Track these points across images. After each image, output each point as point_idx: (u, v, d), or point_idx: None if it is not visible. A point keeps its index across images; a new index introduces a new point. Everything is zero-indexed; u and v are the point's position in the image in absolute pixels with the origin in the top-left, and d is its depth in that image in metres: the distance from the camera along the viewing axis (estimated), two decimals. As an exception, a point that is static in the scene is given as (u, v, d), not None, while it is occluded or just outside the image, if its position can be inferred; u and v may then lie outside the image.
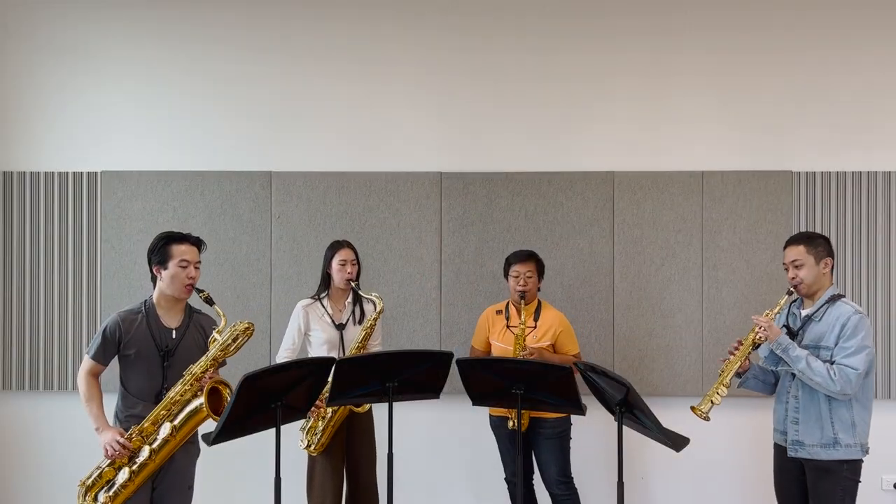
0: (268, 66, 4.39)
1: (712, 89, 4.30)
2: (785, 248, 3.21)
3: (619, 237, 4.26)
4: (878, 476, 4.14)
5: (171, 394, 2.94)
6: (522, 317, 3.60)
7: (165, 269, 3.04)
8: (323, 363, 3.09)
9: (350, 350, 3.58)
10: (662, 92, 4.31)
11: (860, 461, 3.07)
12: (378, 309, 3.61)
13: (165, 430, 2.91)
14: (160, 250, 3.05)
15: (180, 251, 3.05)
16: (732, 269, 4.21)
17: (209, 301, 3.03)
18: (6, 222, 4.38)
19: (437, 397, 3.39)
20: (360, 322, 3.66)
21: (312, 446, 3.55)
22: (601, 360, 4.12)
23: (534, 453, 3.73)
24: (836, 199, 4.22)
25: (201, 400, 2.91)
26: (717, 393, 3.08)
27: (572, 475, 3.70)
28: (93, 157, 4.40)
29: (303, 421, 3.53)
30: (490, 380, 3.26)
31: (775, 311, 3.13)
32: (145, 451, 2.90)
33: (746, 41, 4.29)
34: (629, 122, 4.31)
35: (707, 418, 3.08)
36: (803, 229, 4.15)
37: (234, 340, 3.02)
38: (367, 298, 3.68)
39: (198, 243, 3.13)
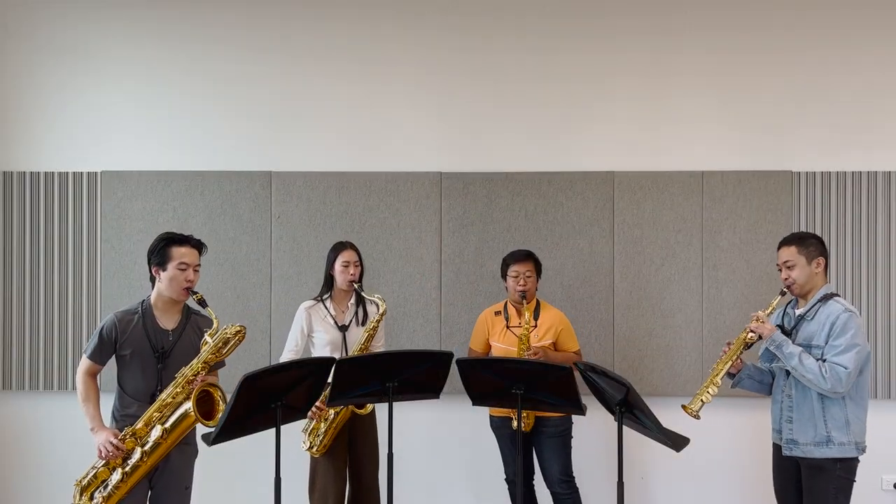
0: (268, 66, 4.40)
1: (712, 89, 4.30)
2: (778, 249, 3.22)
3: (619, 237, 4.26)
4: (878, 476, 4.14)
5: (163, 396, 2.94)
6: (527, 317, 3.60)
7: (164, 270, 3.03)
8: (323, 363, 3.08)
9: (353, 352, 3.58)
10: (662, 92, 4.31)
11: (855, 460, 3.06)
12: (381, 311, 3.61)
13: (156, 432, 2.91)
14: (160, 251, 3.05)
15: (180, 253, 3.04)
16: (732, 269, 4.21)
17: (202, 303, 3.01)
18: (6, 222, 4.38)
19: (437, 397, 3.39)
20: (363, 323, 3.66)
21: (315, 448, 3.54)
22: (601, 360, 4.12)
23: (535, 452, 3.73)
24: (836, 199, 4.22)
25: (189, 405, 2.90)
26: (708, 392, 3.08)
27: (573, 474, 3.71)
28: (93, 157, 4.40)
29: (305, 422, 3.53)
30: (490, 380, 3.25)
31: (767, 311, 3.16)
32: (137, 453, 2.90)
33: (746, 41, 4.29)
34: (629, 122, 4.31)
35: (697, 417, 3.09)
36: (803, 229, 4.16)
37: (226, 344, 3.00)
38: (369, 300, 3.67)
39: (199, 246, 3.12)
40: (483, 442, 4.13)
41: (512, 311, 3.75)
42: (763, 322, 3.11)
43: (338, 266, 3.65)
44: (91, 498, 2.91)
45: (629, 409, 2.99)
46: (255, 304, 4.31)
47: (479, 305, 4.22)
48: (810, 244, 3.14)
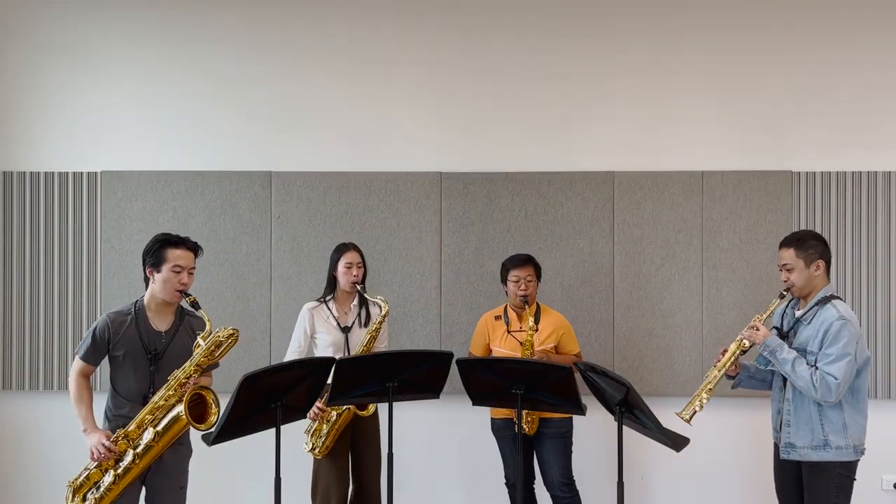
0: (268, 66, 4.39)
1: (712, 89, 4.30)
2: (779, 249, 3.20)
3: (619, 237, 4.26)
4: (878, 476, 4.14)
5: (156, 398, 2.93)
6: (531, 322, 3.59)
7: (158, 272, 3.01)
8: (323, 363, 3.09)
9: (355, 353, 3.57)
10: (662, 92, 4.31)
11: (853, 462, 3.05)
12: (383, 312, 3.60)
13: (148, 435, 2.90)
14: (155, 253, 3.02)
15: (175, 256, 3.01)
16: (732, 269, 4.21)
17: (195, 305, 2.99)
18: (6, 222, 4.38)
19: (437, 397, 3.39)
20: (366, 325, 3.66)
21: (317, 449, 3.55)
22: (601, 360, 4.12)
23: (536, 455, 3.72)
24: (836, 199, 4.22)
25: (180, 408, 2.89)
26: (700, 400, 3.06)
27: (574, 478, 3.70)
28: (93, 157, 4.40)
29: (307, 424, 3.53)
30: (490, 380, 3.25)
31: (765, 315, 3.13)
32: (129, 456, 2.89)
33: (746, 41, 4.29)
34: (629, 122, 4.31)
35: (689, 424, 3.07)
36: (803, 229, 4.15)
37: (218, 346, 2.98)
38: (372, 301, 3.66)
39: (194, 248, 3.09)
40: (483, 442, 4.13)
41: (512, 315, 3.74)
42: (758, 329, 3.09)
43: (341, 267, 3.64)
44: (84, 499, 2.90)
45: (629, 409, 2.99)
46: (255, 304, 4.31)
47: (479, 305, 4.22)
48: (809, 246, 3.10)
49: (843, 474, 3.03)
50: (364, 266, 3.69)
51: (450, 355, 3.31)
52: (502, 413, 3.70)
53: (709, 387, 3.10)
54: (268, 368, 2.99)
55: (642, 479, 4.27)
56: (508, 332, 3.70)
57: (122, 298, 4.15)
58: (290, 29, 4.40)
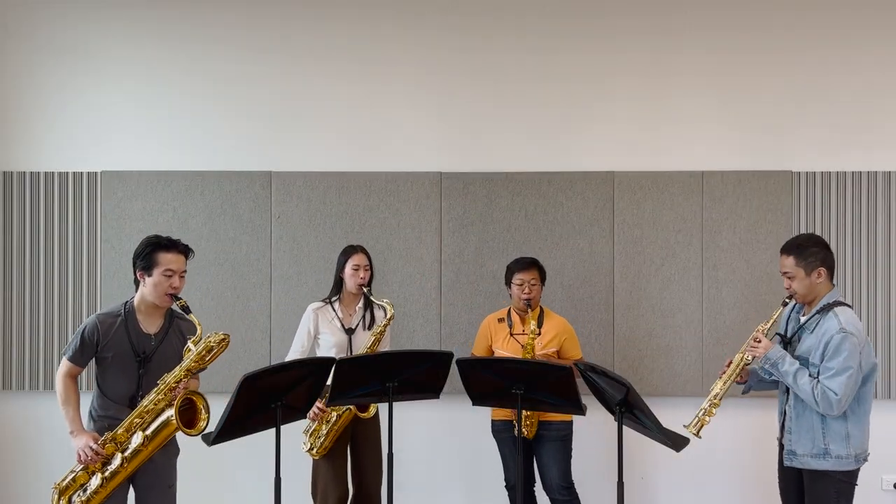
0: (268, 66, 4.39)
1: (712, 89, 4.30)
2: (780, 255, 3.12)
3: (619, 237, 4.26)
4: (878, 476, 4.14)
5: (145, 402, 2.92)
6: (533, 325, 3.58)
7: (149, 275, 2.98)
8: (323, 363, 3.09)
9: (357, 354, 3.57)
10: (662, 92, 4.31)
11: (854, 470, 3.02)
12: (388, 315, 3.59)
13: (137, 439, 2.89)
14: (146, 256, 2.99)
15: (166, 260, 2.98)
16: (732, 269, 4.21)
17: (186, 310, 2.97)
18: (6, 222, 4.38)
19: (437, 397, 3.39)
20: (370, 327, 3.65)
21: (315, 450, 3.54)
22: (601, 360, 4.12)
23: (535, 458, 3.72)
24: (836, 199, 4.22)
25: (171, 412, 2.88)
26: (708, 414, 3.04)
27: (573, 481, 3.68)
28: (93, 157, 4.40)
29: (306, 424, 3.53)
30: (490, 380, 3.25)
31: (769, 325, 3.08)
32: (117, 459, 2.89)
33: (746, 41, 4.29)
34: (629, 122, 4.31)
35: (699, 437, 3.05)
36: (803, 229, 4.16)
37: (209, 351, 2.96)
38: (377, 304, 3.65)
39: (186, 251, 3.06)
40: (483, 443, 4.13)
41: (515, 318, 3.74)
42: (759, 341, 3.05)
43: (348, 269, 3.64)
44: (69, 501, 2.90)
45: (629, 409, 2.99)
46: (255, 304, 4.31)
47: (479, 306, 4.22)
48: (810, 254, 3.02)
49: (843, 480, 3.00)
50: (371, 268, 3.69)
51: (450, 355, 3.31)
52: (502, 414, 3.70)
53: (715, 400, 3.07)
54: (268, 368, 2.99)
55: (642, 479, 4.27)
56: (511, 334, 3.69)
57: (122, 298, 4.11)
58: (290, 29, 4.40)
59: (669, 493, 4.30)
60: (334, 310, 3.67)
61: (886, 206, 4.20)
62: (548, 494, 3.70)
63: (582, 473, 3.77)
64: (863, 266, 4.20)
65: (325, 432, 3.53)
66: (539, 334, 3.63)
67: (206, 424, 2.94)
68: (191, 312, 2.97)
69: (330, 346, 3.62)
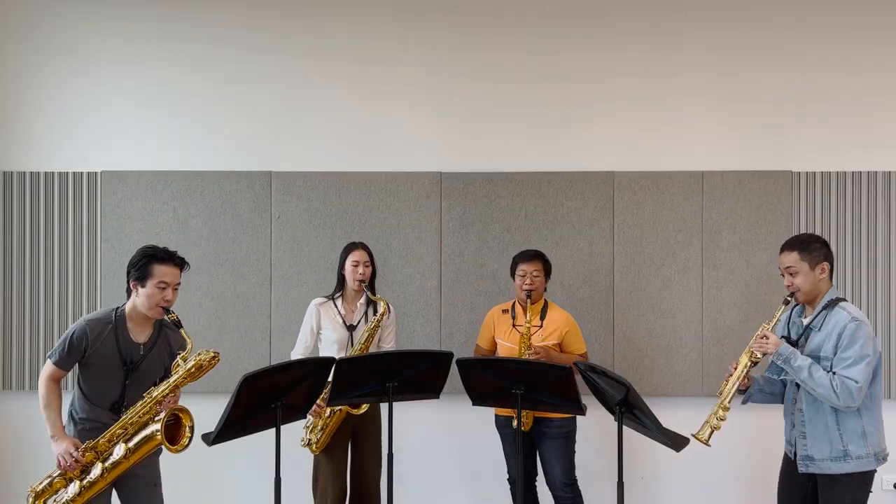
0: (268, 66, 4.39)
1: (712, 89, 4.30)
2: (780, 252, 3.07)
3: (619, 237, 4.26)
4: (878, 476, 4.12)
5: (130, 414, 2.90)
6: (528, 316, 3.59)
7: (143, 286, 2.94)
8: (323, 363, 3.09)
9: (353, 351, 3.58)
10: (662, 92, 4.31)
11: (872, 471, 2.96)
12: (381, 311, 3.61)
13: (120, 451, 2.87)
14: (141, 267, 2.94)
15: (161, 272, 2.94)
16: (732, 269, 4.21)
17: (177, 324, 2.94)
18: (6, 222, 4.38)
19: (437, 397, 3.39)
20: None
21: (313, 445, 3.56)
22: (601, 360, 4.12)
23: (538, 455, 3.72)
24: (836, 199, 4.22)
25: (157, 427, 2.86)
26: (717, 418, 2.94)
27: (576, 478, 3.69)
28: (93, 157, 4.40)
29: (308, 419, 3.53)
30: (490, 380, 3.26)
31: (772, 323, 3.01)
32: (97, 469, 2.87)
33: (746, 41, 4.29)
34: (629, 122, 4.31)
35: (708, 444, 2.95)
36: (803, 229, 4.16)
37: (199, 369, 2.92)
38: (373, 301, 3.66)
39: (181, 264, 3.02)
40: (483, 442, 4.14)
41: (519, 309, 3.75)
42: (767, 338, 2.96)
43: (348, 265, 3.66)
44: None
45: (629, 409, 2.99)
46: (255, 304, 4.31)
47: (479, 305, 4.22)
48: (813, 248, 2.98)
49: (860, 488, 2.93)
50: (372, 266, 3.69)
51: (450, 355, 3.31)
52: (505, 410, 3.70)
53: (724, 404, 2.96)
54: (268, 368, 2.98)
55: (642, 479, 4.27)
56: (514, 326, 3.69)
57: (122, 298, 4.12)
58: (290, 29, 4.40)
59: (669, 493, 4.30)
60: (336, 306, 3.68)
61: (886, 206, 4.20)
62: (551, 491, 3.70)
63: (582, 473, 3.77)
64: (863, 266, 4.20)
65: (320, 428, 3.55)
66: (541, 326, 3.64)
67: (189, 442, 2.92)
68: (182, 327, 2.94)
69: (332, 342, 3.63)
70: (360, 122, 4.39)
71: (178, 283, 3.01)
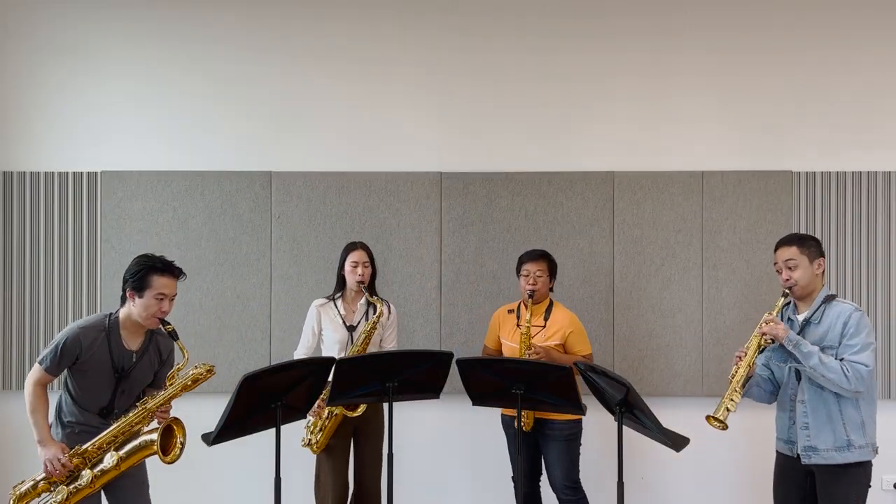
0: (268, 66, 4.39)
1: (712, 89, 4.30)
2: (776, 249, 3.12)
3: (619, 237, 4.26)
4: (878, 476, 4.13)
5: (122, 424, 2.91)
6: (528, 315, 3.58)
7: (140, 297, 2.93)
8: (323, 363, 3.09)
9: (350, 352, 3.58)
10: (662, 92, 4.31)
11: (871, 463, 3.01)
12: (377, 313, 3.60)
13: (111, 459, 2.88)
14: (140, 278, 2.92)
15: (160, 283, 2.92)
16: (732, 269, 4.21)
17: (174, 336, 2.94)
18: (6, 222, 4.38)
19: (437, 397, 3.39)
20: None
21: (313, 445, 3.57)
22: (601, 360, 4.11)
23: (542, 455, 3.71)
24: (836, 199, 4.22)
25: (153, 437, 2.88)
26: (732, 399, 2.93)
27: (580, 479, 3.67)
28: (93, 157, 4.40)
29: (308, 418, 3.54)
30: (490, 380, 3.26)
31: (775, 312, 3.04)
32: (86, 476, 2.87)
33: (746, 41, 4.29)
34: (629, 122, 4.31)
35: (725, 426, 2.92)
36: (803, 229, 4.16)
37: (195, 381, 2.94)
38: (371, 302, 3.64)
39: (179, 275, 3.01)
40: (483, 442, 4.14)
41: (523, 309, 3.73)
42: (777, 324, 2.98)
43: (347, 266, 3.65)
44: None
45: (629, 409, 2.99)
46: (255, 304, 4.31)
47: (479, 305, 4.22)
48: (811, 245, 3.06)
49: (863, 482, 2.98)
50: (372, 266, 3.68)
51: (450, 355, 3.31)
52: (511, 410, 3.68)
53: (737, 386, 2.96)
54: (268, 368, 2.99)
55: (642, 479, 4.27)
56: (518, 325, 3.69)
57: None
58: (290, 29, 4.40)
59: (669, 493, 4.30)
60: (337, 307, 3.67)
61: (886, 206, 4.20)
62: (554, 492, 3.69)
63: (582, 473, 3.77)
64: (863, 266, 4.20)
65: (318, 428, 3.55)
66: (544, 326, 3.63)
67: (181, 453, 2.93)
68: (178, 339, 2.94)
69: (333, 342, 3.63)
70: (360, 122, 4.39)
71: (175, 294, 2.99)
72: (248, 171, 4.34)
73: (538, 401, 3.25)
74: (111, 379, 2.97)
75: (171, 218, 4.33)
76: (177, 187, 4.34)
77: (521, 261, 3.73)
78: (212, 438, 2.85)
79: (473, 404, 3.38)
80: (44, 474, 2.90)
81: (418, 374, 3.28)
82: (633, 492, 4.14)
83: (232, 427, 2.85)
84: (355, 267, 3.62)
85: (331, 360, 3.11)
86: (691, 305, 4.22)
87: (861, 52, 4.26)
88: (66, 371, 2.98)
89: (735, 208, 4.22)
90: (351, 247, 3.69)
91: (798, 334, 3.04)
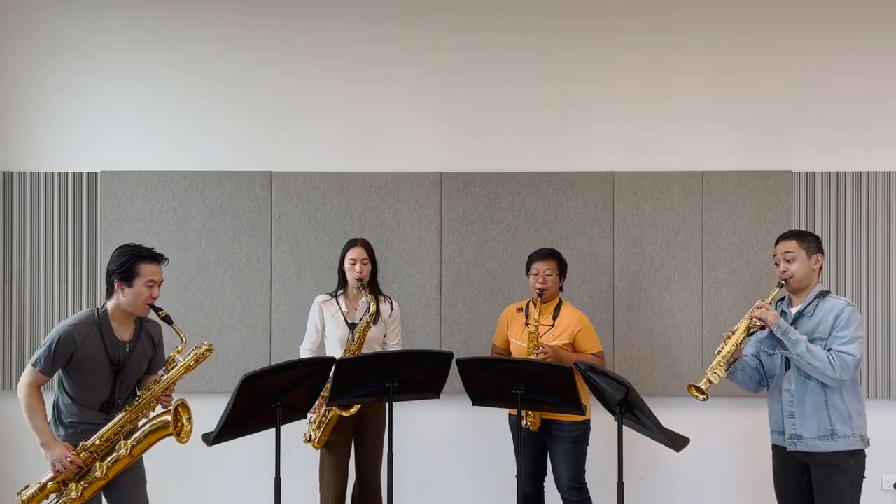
0: (268, 66, 4.39)
1: (712, 89, 4.30)
2: (777, 243, 3.21)
3: (619, 237, 4.26)
4: (878, 476, 4.14)
5: (127, 413, 2.93)
6: (537, 314, 3.57)
7: (130, 286, 2.95)
8: (323, 363, 3.09)
9: (346, 351, 3.58)
10: (662, 92, 4.31)
11: (863, 452, 3.05)
12: (370, 311, 3.58)
13: (122, 448, 2.90)
14: (128, 267, 2.94)
15: (149, 271, 2.96)
16: (732, 269, 4.21)
17: (168, 320, 2.97)
18: (6, 222, 4.38)
19: (438, 397, 3.39)
20: (375, 322, 3.64)
21: (315, 440, 3.59)
22: (601, 360, 4.12)
23: (549, 455, 3.70)
24: (836, 199, 4.22)
25: (167, 418, 2.91)
26: (716, 373, 3.02)
27: (585, 481, 3.65)
28: (93, 157, 4.40)
29: (310, 414, 3.54)
30: (490, 380, 3.26)
31: (768, 300, 3.13)
32: (98, 469, 2.87)
33: (746, 41, 4.29)
34: (629, 122, 4.31)
35: (706, 397, 2.98)
36: (803, 229, 4.15)
37: (197, 361, 3.00)
38: (366, 301, 3.63)
39: (162, 261, 3.04)
40: (484, 442, 4.14)
41: (532, 308, 3.72)
42: (768, 309, 3.08)
43: (347, 263, 3.65)
44: None
45: (629, 409, 2.99)
46: (255, 304, 4.31)
47: (479, 305, 4.22)
48: (810, 240, 3.15)
49: (856, 473, 3.02)
50: (373, 263, 3.68)
51: (450, 355, 3.31)
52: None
53: (722, 361, 3.04)
54: (268, 368, 2.99)
55: (642, 479, 4.27)
56: (526, 324, 3.68)
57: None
58: (290, 29, 4.40)
59: (669, 493, 4.30)
60: (338, 304, 3.67)
61: (886, 206, 4.20)
62: (559, 492, 3.68)
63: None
64: (863, 266, 4.20)
65: (317, 426, 3.56)
66: (553, 325, 3.62)
67: (191, 430, 2.96)
68: (173, 322, 2.97)
69: (335, 339, 3.64)
70: (360, 122, 4.39)
71: (162, 280, 3.04)
72: (248, 171, 4.34)
73: (538, 401, 3.25)
74: (109, 372, 2.98)
75: (171, 218, 4.33)
76: (177, 187, 4.34)
77: (531, 259, 3.72)
78: (212, 438, 2.85)
79: (473, 404, 3.38)
80: (51, 474, 2.90)
81: (418, 374, 3.28)
82: (633, 492, 4.14)
83: (232, 427, 2.85)
84: (353, 264, 3.62)
85: (331, 360, 3.11)
86: (691, 305, 4.22)
87: (861, 52, 4.26)
88: (60, 372, 2.97)
89: (735, 208, 4.22)
90: (350, 244, 3.69)
91: (792, 324, 3.11)
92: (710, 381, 3.01)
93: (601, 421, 3.62)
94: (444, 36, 4.37)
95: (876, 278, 4.20)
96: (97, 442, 2.90)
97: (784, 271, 3.13)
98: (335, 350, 3.63)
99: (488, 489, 4.23)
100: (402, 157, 4.35)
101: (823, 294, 3.11)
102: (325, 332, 3.69)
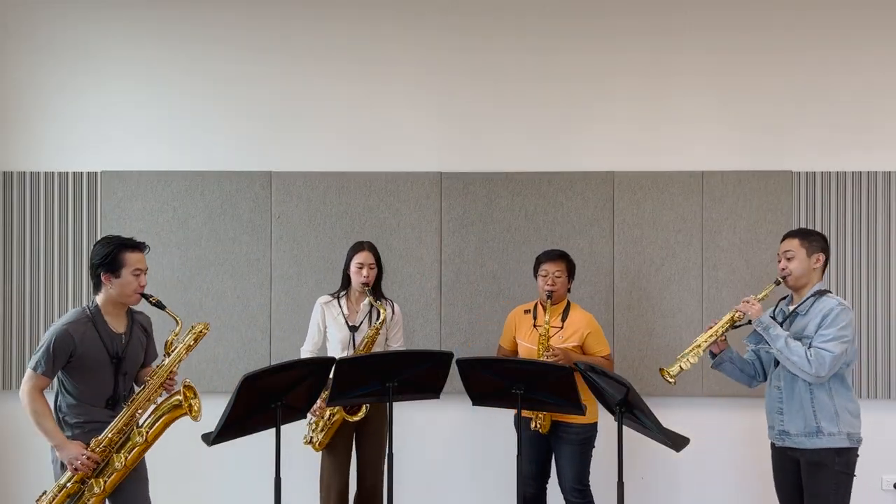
0: (268, 66, 4.39)
1: (712, 89, 4.30)
2: (782, 241, 3.25)
3: (619, 237, 4.26)
4: (878, 476, 4.14)
5: (134, 404, 2.93)
6: (547, 316, 3.56)
7: (117, 276, 2.95)
8: (323, 363, 3.09)
9: (353, 354, 3.57)
10: (662, 92, 4.31)
11: (853, 451, 3.06)
12: (381, 318, 3.57)
13: (137, 436, 2.89)
14: (113, 258, 2.94)
15: (134, 259, 2.96)
16: (732, 269, 4.21)
17: (160, 305, 2.98)
18: (6, 222, 4.38)
19: (437, 397, 3.39)
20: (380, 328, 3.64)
21: (315, 443, 3.58)
22: (601, 360, 4.12)
23: (553, 456, 3.70)
24: (836, 199, 4.22)
25: (179, 397, 2.93)
26: (689, 360, 3.12)
27: (589, 483, 3.65)
28: (93, 157, 4.40)
29: (310, 416, 3.54)
30: (490, 380, 3.26)
31: (760, 295, 3.17)
32: (119, 460, 2.87)
33: (746, 41, 4.29)
34: (629, 122, 4.31)
35: (674, 382, 3.13)
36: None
37: (196, 340, 3.04)
38: (375, 306, 3.61)
39: (144, 249, 3.04)
40: (484, 442, 4.14)
41: (540, 310, 3.71)
42: (752, 304, 3.13)
43: (353, 266, 3.64)
44: None
45: (629, 409, 2.99)
46: (255, 304, 4.31)
47: (479, 305, 4.22)
48: (814, 239, 3.17)
49: (841, 471, 3.03)
50: (379, 266, 3.67)
51: (450, 355, 3.31)
52: (525, 411, 3.65)
53: (697, 350, 3.17)
54: (268, 368, 2.99)
55: (642, 479, 4.27)
56: (535, 326, 3.67)
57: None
58: (290, 29, 4.40)
59: (669, 493, 4.30)
60: (340, 305, 3.67)
61: (886, 206, 4.20)
62: (562, 494, 3.67)
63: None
64: (863, 266, 4.20)
65: (320, 427, 3.55)
66: (561, 327, 3.61)
67: (200, 408, 2.96)
68: (165, 307, 2.99)
69: (336, 341, 3.64)
70: (360, 122, 4.39)
71: (147, 268, 3.05)
72: (248, 171, 4.34)
73: (538, 401, 3.25)
74: (109, 366, 2.98)
75: (171, 218, 4.33)
76: (177, 187, 4.34)
77: (540, 261, 3.71)
78: (212, 438, 2.85)
79: (473, 404, 3.38)
80: (69, 474, 2.88)
81: (418, 374, 3.28)
82: (634, 492, 4.14)
83: (232, 427, 2.85)
84: (360, 268, 3.61)
85: (331, 360, 3.11)
86: (691, 305, 4.22)
87: (861, 52, 4.26)
88: (60, 374, 2.96)
89: (735, 208, 4.22)
90: (357, 247, 3.68)
91: (784, 321, 3.16)
92: (681, 368, 3.12)
93: (601, 421, 3.62)
94: (444, 36, 4.37)
95: (876, 278, 4.20)
96: (110, 436, 2.90)
97: (783, 269, 3.17)
98: (336, 351, 3.63)
99: (488, 489, 4.23)
100: (402, 157, 4.35)
101: (821, 293, 3.13)
102: (326, 333, 3.69)
